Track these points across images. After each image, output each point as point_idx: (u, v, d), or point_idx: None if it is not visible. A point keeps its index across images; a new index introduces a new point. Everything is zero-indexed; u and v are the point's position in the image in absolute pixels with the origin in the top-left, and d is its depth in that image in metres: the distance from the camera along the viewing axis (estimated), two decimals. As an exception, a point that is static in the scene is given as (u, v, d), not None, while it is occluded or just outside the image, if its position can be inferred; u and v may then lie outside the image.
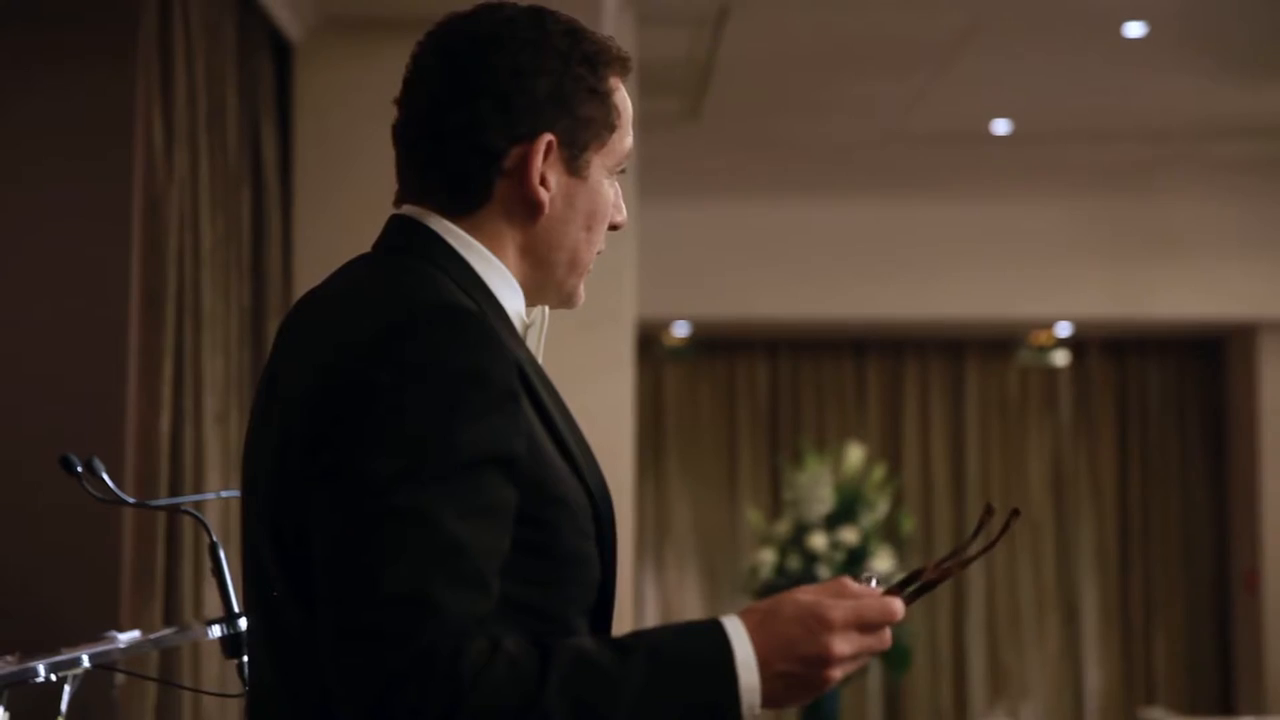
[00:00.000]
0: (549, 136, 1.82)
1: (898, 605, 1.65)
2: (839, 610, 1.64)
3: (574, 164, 1.85)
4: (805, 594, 1.66)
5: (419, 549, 1.59)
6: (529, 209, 1.84)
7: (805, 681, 1.64)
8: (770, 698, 1.63)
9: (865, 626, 1.65)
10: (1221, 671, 10.72)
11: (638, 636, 1.65)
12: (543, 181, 1.83)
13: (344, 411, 1.66)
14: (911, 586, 1.72)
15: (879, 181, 9.36)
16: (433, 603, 1.57)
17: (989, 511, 1.76)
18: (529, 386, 1.74)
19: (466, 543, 1.61)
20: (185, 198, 4.87)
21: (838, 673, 1.64)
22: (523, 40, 1.83)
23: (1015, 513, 1.74)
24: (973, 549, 1.74)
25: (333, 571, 1.63)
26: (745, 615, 1.65)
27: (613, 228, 1.93)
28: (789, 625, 1.64)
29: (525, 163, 1.82)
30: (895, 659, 6.99)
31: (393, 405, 1.64)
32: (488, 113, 1.81)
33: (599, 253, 1.93)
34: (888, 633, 1.66)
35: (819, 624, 1.63)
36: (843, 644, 1.63)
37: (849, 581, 1.67)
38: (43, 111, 4.61)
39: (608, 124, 1.87)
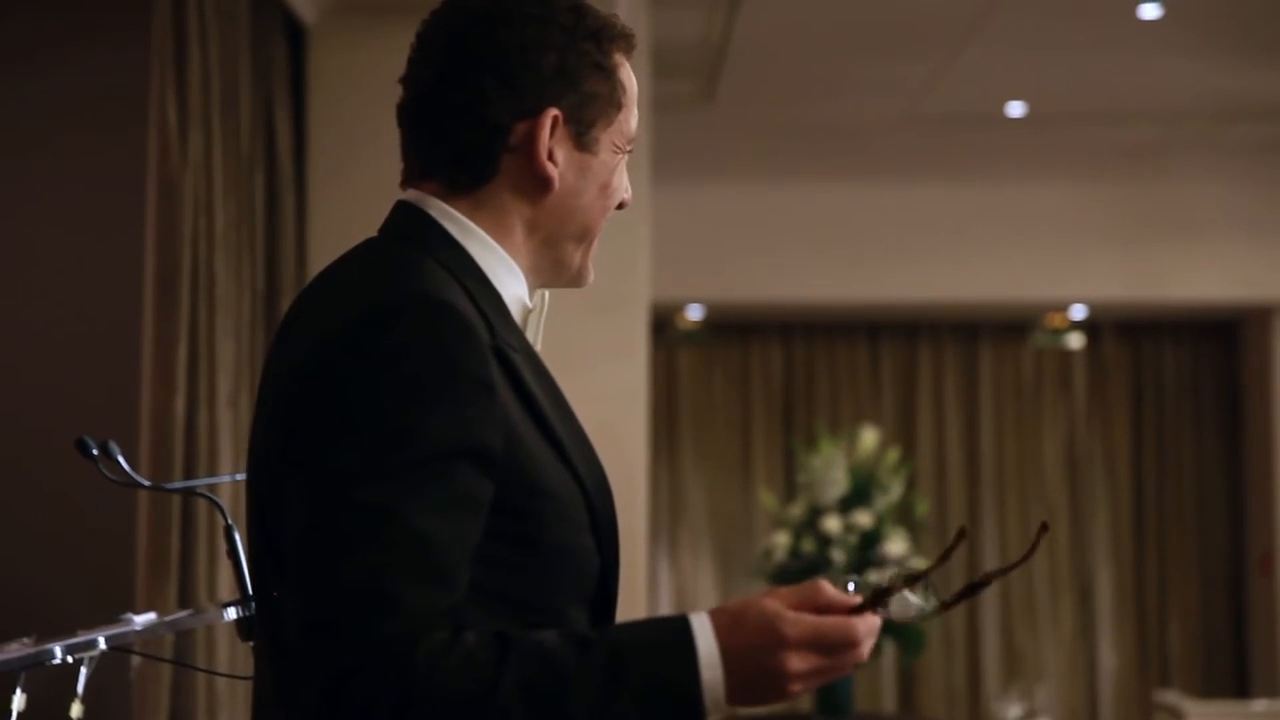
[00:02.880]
0: (554, 111, 1.81)
1: (860, 627, 1.62)
2: (795, 628, 1.61)
3: (582, 140, 1.84)
4: (772, 602, 1.63)
5: (379, 542, 1.58)
6: (537, 185, 1.83)
7: (765, 690, 1.62)
8: (734, 698, 1.61)
9: (823, 646, 1.62)
10: (1236, 654, 10.71)
11: (601, 630, 1.64)
12: (550, 157, 1.82)
13: (315, 401, 1.66)
14: (887, 597, 1.66)
15: (893, 164, 9.35)
16: (390, 596, 1.56)
17: (963, 534, 1.71)
18: (515, 376, 1.73)
19: (429, 536, 1.60)
20: (199, 180, 4.87)
21: (795, 687, 1.62)
22: (527, 16, 1.82)
23: (1044, 527, 1.69)
24: (952, 592, 1.71)
25: (297, 561, 1.63)
26: (715, 615, 1.63)
27: (618, 207, 1.91)
28: (751, 633, 1.61)
29: (532, 138, 1.81)
30: (909, 641, 6.97)
31: (361, 396, 1.63)
32: (492, 88, 1.80)
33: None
34: (863, 649, 1.63)
35: (774, 639, 1.61)
36: (797, 661, 1.61)
37: (824, 587, 1.64)
38: (57, 94, 4.61)
39: (614, 101, 1.86)
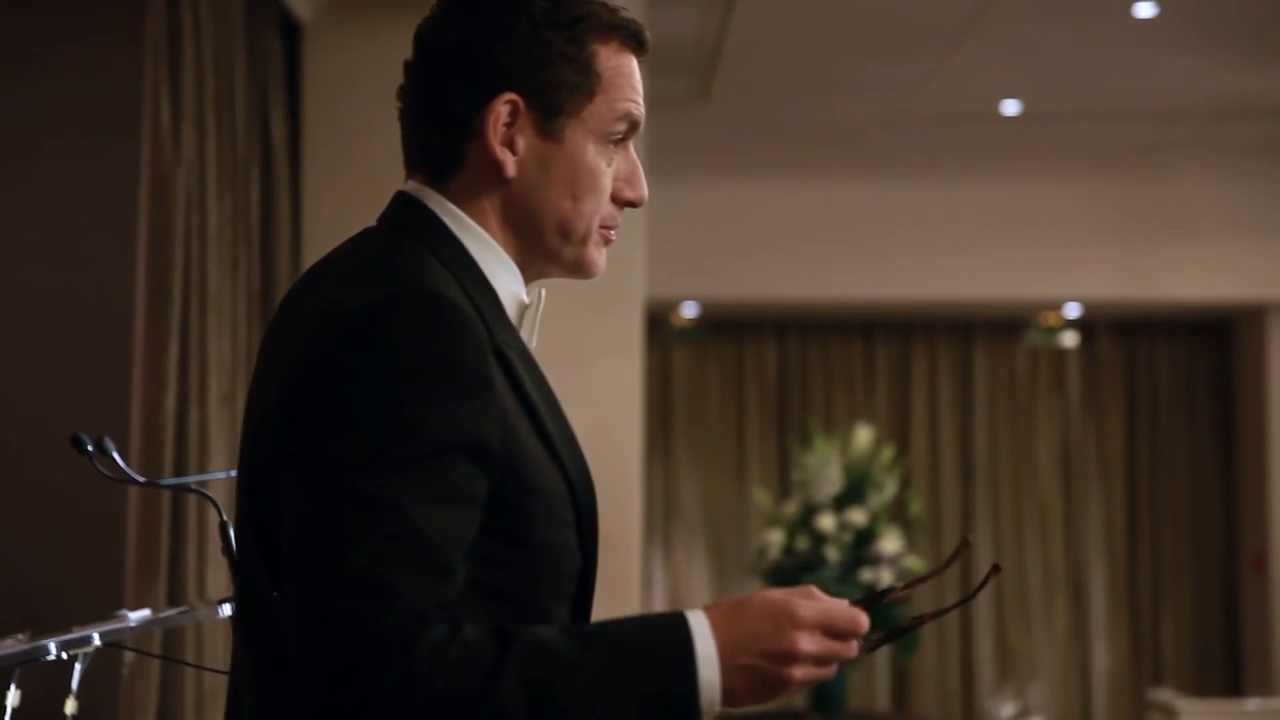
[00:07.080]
0: (509, 96, 1.80)
1: (865, 617, 1.66)
2: (807, 609, 1.64)
3: (546, 128, 1.82)
4: (775, 593, 1.65)
5: (379, 534, 1.59)
6: (495, 171, 1.82)
7: (766, 677, 1.63)
8: (731, 693, 1.62)
9: (832, 631, 1.65)
10: (1229, 653, 10.72)
11: (600, 627, 1.64)
12: (511, 145, 1.82)
13: (314, 394, 1.66)
14: (879, 605, 1.74)
15: (888, 162, 9.35)
16: (390, 587, 1.57)
17: (966, 544, 1.77)
18: (511, 373, 1.73)
19: (428, 529, 1.60)
20: (193, 178, 4.87)
21: (799, 672, 1.64)
22: (495, 6, 1.82)
23: (995, 568, 1.74)
24: (949, 602, 1.77)
25: (296, 553, 1.63)
26: (710, 609, 1.65)
27: (627, 204, 1.88)
28: (756, 620, 1.63)
29: (485, 123, 1.81)
30: (903, 640, 6.98)
31: (362, 389, 1.63)
32: (450, 76, 1.81)
33: (611, 228, 1.88)
34: (854, 643, 1.66)
35: (787, 619, 1.63)
36: (808, 642, 1.63)
37: (815, 589, 1.67)
38: (51, 91, 4.61)
39: (585, 90, 1.83)
